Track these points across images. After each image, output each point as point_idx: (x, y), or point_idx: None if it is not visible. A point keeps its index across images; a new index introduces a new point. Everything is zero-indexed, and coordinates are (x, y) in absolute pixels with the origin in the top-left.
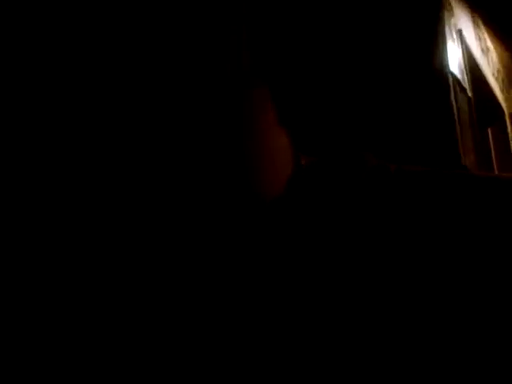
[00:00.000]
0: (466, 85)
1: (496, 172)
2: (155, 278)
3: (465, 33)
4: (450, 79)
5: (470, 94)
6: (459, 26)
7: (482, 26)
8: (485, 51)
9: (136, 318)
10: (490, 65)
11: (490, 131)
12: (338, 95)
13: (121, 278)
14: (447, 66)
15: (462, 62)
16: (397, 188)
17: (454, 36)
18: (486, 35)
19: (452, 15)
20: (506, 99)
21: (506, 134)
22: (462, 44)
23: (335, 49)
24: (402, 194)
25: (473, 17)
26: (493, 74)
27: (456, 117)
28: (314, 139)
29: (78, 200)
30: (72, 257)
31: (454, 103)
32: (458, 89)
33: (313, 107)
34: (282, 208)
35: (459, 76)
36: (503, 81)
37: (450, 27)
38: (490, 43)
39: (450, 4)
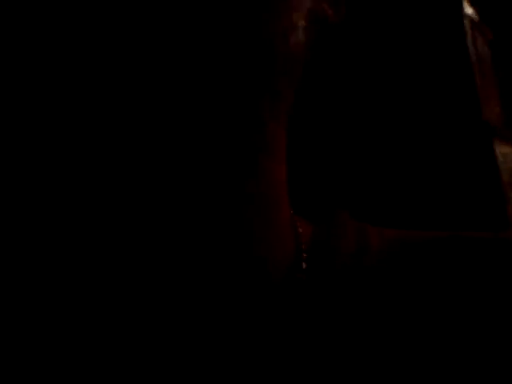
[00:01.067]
0: (487, 25)
1: None
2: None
3: None
4: (466, 22)
5: (490, 35)
6: None
7: None
8: None
9: (136, 318)
10: None
11: None
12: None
13: (120, 278)
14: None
15: None
16: (376, 281)
17: None
18: None
19: None
20: None
21: None
22: None
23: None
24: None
25: None
26: None
27: (475, 66)
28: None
29: (77, 200)
30: (71, 256)
31: (471, 49)
32: (476, 33)
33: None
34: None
35: (475, 16)
36: None
37: None
38: None
39: None
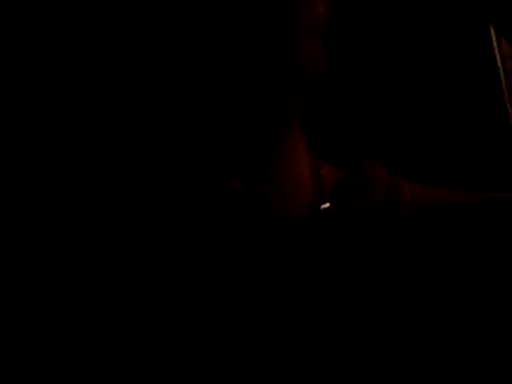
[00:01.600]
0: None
1: None
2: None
3: None
4: (491, 28)
5: None
6: None
7: None
8: None
9: (135, 318)
10: None
11: None
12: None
13: (120, 278)
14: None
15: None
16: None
17: None
18: None
19: None
20: None
21: None
22: None
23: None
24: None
25: None
26: None
27: (501, 69)
28: (329, 143)
29: (76, 199)
30: (70, 256)
31: (497, 53)
32: (500, 36)
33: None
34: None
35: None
36: None
37: None
38: None
39: None
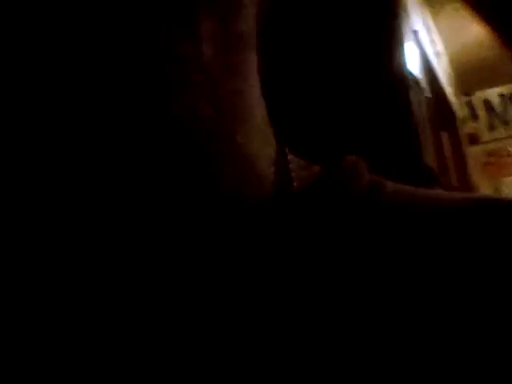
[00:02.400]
0: (425, 85)
1: (452, 179)
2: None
3: (420, 34)
4: (409, 78)
5: (428, 94)
6: (414, 28)
7: (434, 29)
8: (437, 55)
9: (135, 318)
10: (442, 68)
11: (444, 134)
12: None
13: (120, 278)
14: (405, 64)
15: (419, 62)
16: (390, 221)
17: (411, 36)
18: (437, 38)
19: (407, 15)
20: (458, 104)
21: (459, 139)
22: (418, 45)
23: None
24: (394, 228)
25: (424, 19)
26: (446, 78)
27: (417, 118)
28: (299, 135)
29: (76, 199)
30: (70, 256)
31: (414, 103)
32: (417, 89)
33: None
34: (272, 222)
35: (417, 76)
36: (455, 86)
37: (406, 27)
38: (441, 47)
39: (404, 4)
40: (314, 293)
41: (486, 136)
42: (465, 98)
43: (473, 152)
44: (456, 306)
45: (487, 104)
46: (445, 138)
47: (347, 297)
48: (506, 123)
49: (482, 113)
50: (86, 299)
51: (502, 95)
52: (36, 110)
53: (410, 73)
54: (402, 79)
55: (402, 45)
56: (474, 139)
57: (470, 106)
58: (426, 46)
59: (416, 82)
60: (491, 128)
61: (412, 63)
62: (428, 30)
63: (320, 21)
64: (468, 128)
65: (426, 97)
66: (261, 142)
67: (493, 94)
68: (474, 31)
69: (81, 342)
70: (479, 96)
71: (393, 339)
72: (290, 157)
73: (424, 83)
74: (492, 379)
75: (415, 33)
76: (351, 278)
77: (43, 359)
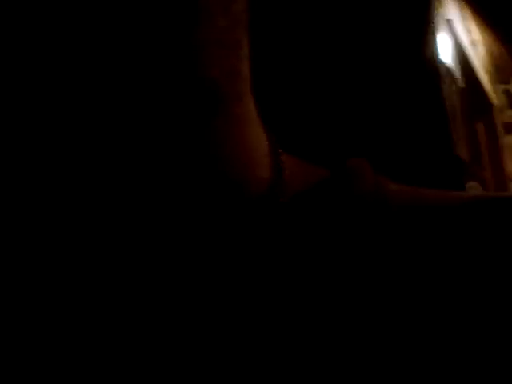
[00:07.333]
0: (458, 75)
1: (486, 169)
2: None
3: (454, 24)
4: (441, 68)
5: (461, 84)
6: (448, 17)
7: (470, 18)
8: (473, 43)
9: (135, 318)
10: (478, 57)
11: (478, 124)
12: (324, 89)
13: (120, 278)
14: (438, 55)
15: (452, 52)
16: (393, 224)
17: (444, 26)
18: (473, 27)
19: (441, 5)
20: (494, 92)
21: (495, 127)
22: (452, 35)
23: (327, 44)
24: (397, 232)
25: (460, 8)
26: (481, 67)
27: (448, 107)
28: (295, 135)
29: (76, 199)
30: (70, 256)
31: (445, 93)
32: (449, 79)
33: (296, 101)
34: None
35: (450, 66)
36: (491, 74)
37: (439, 17)
38: (477, 36)
39: None
40: (315, 293)
41: None
42: (502, 87)
43: (510, 141)
44: (460, 305)
45: None
46: (480, 128)
47: (351, 296)
48: None
49: None
50: (86, 299)
51: None
52: (36, 110)
53: (443, 62)
54: (434, 69)
55: (434, 35)
56: (510, 128)
57: (508, 94)
58: (461, 35)
59: (448, 71)
60: None
61: (445, 53)
62: (464, 18)
63: (349, 10)
64: (505, 117)
65: (460, 87)
66: (256, 128)
67: None
68: None
69: (81, 342)
70: None
71: (396, 339)
72: (281, 151)
73: (457, 73)
74: (493, 379)
75: (449, 22)
76: (355, 277)
77: (43, 359)
